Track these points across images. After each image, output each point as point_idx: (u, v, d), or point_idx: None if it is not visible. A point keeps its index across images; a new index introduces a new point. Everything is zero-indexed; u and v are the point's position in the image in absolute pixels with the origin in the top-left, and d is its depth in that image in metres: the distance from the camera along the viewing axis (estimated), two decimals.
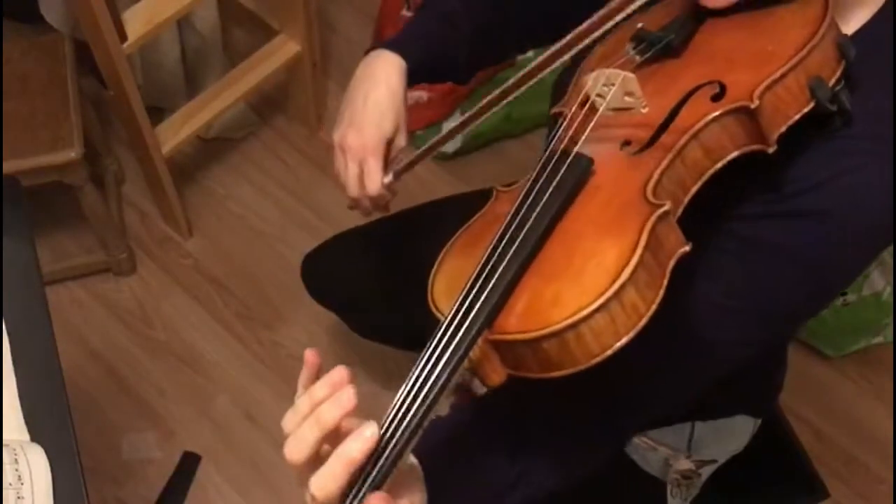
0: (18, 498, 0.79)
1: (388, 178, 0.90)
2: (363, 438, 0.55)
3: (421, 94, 1.89)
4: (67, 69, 1.55)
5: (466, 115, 0.83)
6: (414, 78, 0.93)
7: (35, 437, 0.86)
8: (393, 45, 0.93)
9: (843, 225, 0.66)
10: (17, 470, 0.81)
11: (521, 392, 0.60)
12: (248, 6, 1.84)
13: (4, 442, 0.83)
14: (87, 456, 0.88)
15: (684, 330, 0.72)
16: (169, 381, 1.71)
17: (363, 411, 0.57)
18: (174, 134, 1.66)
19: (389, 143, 0.91)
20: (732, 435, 1.06)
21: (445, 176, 1.96)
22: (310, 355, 0.62)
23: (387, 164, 0.91)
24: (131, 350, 1.74)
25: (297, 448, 0.57)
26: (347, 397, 0.56)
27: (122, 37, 1.39)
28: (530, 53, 1.95)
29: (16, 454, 0.82)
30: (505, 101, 0.80)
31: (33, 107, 1.51)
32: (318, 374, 0.62)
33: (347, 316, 1.35)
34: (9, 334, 0.91)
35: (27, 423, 0.87)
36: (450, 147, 1.96)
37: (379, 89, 0.90)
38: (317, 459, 0.57)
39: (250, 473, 1.62)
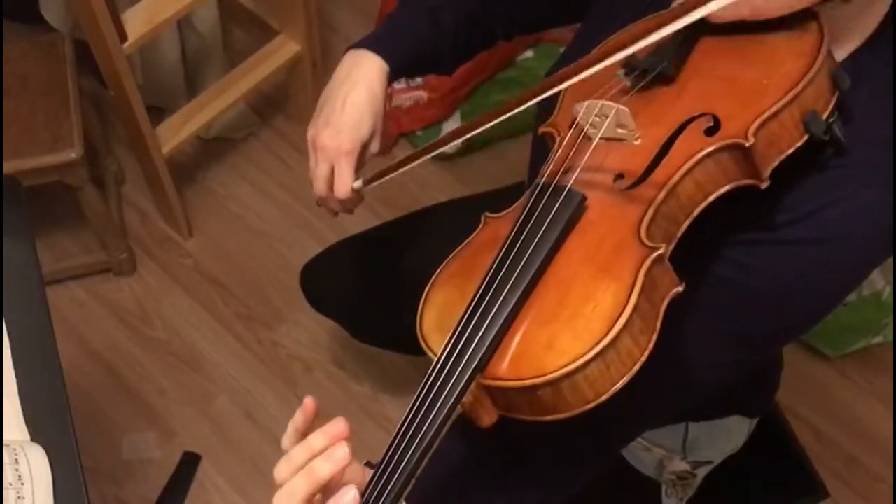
0: (18, 498, 0.79)
1: (358, 184, 0.88)
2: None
3: (421, 94, 1.89)
4: (67, 69, 1.55)
5: (436, 140, 0.75)
6: (397, 75, 0.92)
7: (35, 437, 0.86)
8: (375, 45, 0.91)
9: (838, 252, 0.66)
10: (17, 470, 0.81)
11: (510, 422, 0.60)
12: (248, 6, 1.84)
13: (4, 442, 0.83)
14: (87, 456, 0.88)
15: (679, 356, 0.72)
16: (169, 381, 1.71)
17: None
18: (174, 134, 1.66)
19: (364, 147, 0.90)
20: (727, 435, 1.06)
21: (445, 176, 1.96)
22: (309, 403, 0.62)
23: (358, 169, 0.90)
24: (131, 350, 1.74)
25: (286, 502, 0.57)
26: (342, 454, 0.56)
27: (122, 37, 1.39)
28: (529, 53, 1.98)
29: (16, 454, 0.82)
30: (480, 129, 0.69)
31: (33, 107, 1.51)
32: (312, 421, 0.62)
33: (346, 323, 1.35)
34: (9, 334, 0.91)
35: (27, 423, 0.87)
36: (450, 148, 1.95)
37: (359, 92, 0.88)
38: None
39: (250, 473, 1.62)
